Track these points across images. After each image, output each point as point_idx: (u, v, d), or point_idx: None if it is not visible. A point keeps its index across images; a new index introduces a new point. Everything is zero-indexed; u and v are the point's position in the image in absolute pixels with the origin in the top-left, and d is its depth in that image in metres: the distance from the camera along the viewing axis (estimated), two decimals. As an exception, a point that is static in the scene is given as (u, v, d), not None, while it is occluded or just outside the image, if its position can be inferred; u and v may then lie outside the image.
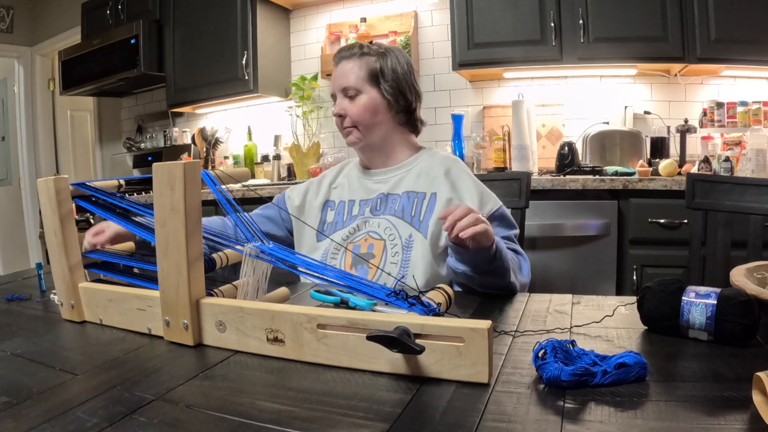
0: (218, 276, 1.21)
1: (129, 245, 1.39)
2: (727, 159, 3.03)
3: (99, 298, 1.17)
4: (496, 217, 1.63)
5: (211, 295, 1.05)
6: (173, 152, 4.81)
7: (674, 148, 3.45)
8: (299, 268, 1.06)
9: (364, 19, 4.12)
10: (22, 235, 6.08)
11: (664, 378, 0.82)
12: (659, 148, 3.42)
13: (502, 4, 3.45)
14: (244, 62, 4.13)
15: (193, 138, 4.84)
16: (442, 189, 1.67)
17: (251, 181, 4.19)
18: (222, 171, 1.10)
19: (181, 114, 5.04)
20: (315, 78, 4.31)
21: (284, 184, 3.91)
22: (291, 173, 4.39)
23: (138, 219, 1.22)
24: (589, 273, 2.96)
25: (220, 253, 1.16)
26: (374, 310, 1.04)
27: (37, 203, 5.45)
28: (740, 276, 1.03)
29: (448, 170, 1.72)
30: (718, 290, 0.96)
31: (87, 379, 0.89)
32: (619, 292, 2.95)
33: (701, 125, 3.46)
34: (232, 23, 4.18)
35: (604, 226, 2.91)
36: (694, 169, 3.13)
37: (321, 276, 1.03)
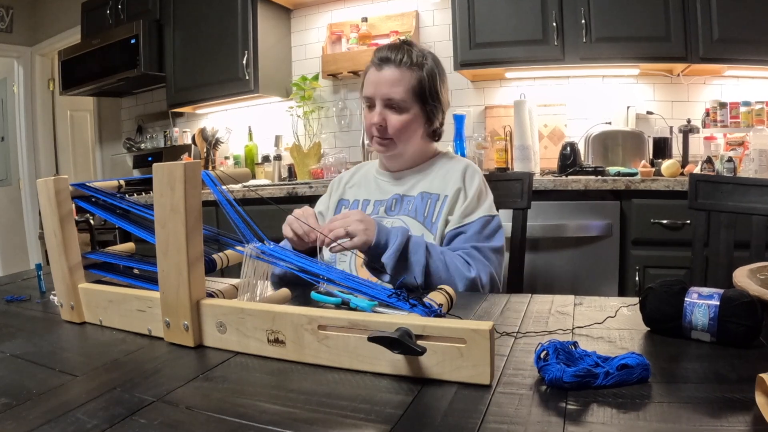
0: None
1: (129, 246, 1.39)
2: (730, 159, 3.02)
3: (99, 299, 1.17)
4: (473, 226, 1.67)
5: (212, 296, 1.05)
6: (173, 152, 4.81)
7: (677, 148, 3.44)
8: (300, 269, 1.05)
9: (365, 19, 4.12)
10: (22, 235, 6.09)
11: (666, 379, 0.82)
12: (662, 148, 3.42)
13: (504, 4, 3.45)
14: (244, 62, 4.13)
15: (193, 138, 4.85)
16: (451, 193, 1.71)
17: (252, 182, 4.18)
18: (222, 171, 1.10)
19: (181, 114, 5.04)
20: (316, 78, 4.31)
21: (285, 184, 3.90)
22: (292, 174, 4.39)
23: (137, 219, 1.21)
24: (592, 274, 2.95)
25: (220, 253, 1.16)
26: (375, 311, 1.04)
27: (36, 204, 5.45)
28: (743, 277, 1.02)
29: (463, 172, 1.75)
30: (721, 291, 0.95)
31: (87, 380, 0.88)
32: (622, 293, 2.95)
33: (704, 125, 3.45)
34: (233, 23, 4.19)
35: (606, 227, 2.90)
36: (697, 170, 3.13)
37: (322, 277, 1.03)
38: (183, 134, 4.95)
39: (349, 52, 4.13)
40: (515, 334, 1.04)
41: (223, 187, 1.08)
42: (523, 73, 3.81)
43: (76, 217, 1.21)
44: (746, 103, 3.32)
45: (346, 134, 4.39)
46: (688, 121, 3.40)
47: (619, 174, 3.03)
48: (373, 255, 1.46)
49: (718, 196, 1.93)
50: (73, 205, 1.20)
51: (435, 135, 1.84)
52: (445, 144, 3.80)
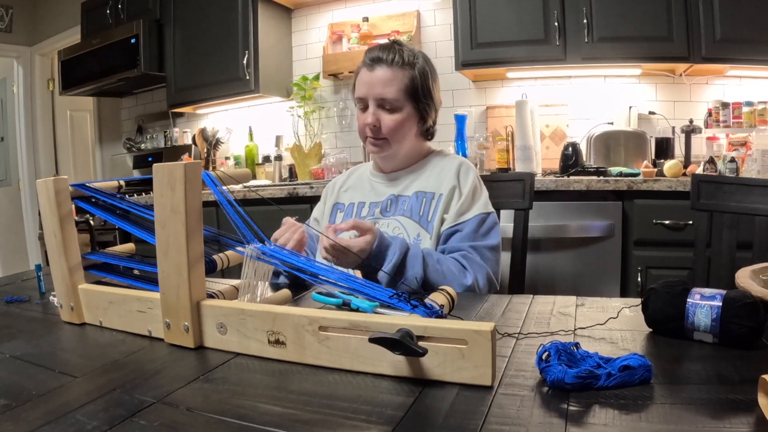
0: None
1: (129, 246, 1.39)
2: (732, 160, 3.02)
3: (99, 300, 1.17)
4: (468, 224, 1.67)
5: (212, 296, 1.04)
6: (174, 153, 4.81)
7: (679, 148, 3.44)
8: (300, 270, 1.05)
9: (366, 19, 4.12)
10: (22, 236, 6.08)
11: (668, 380, 0.81)
12: (664, 148, 3.42)
13: (506, 4, 3.44)
14: (245, 62, 4.13)
15: (193, 138, 4.85)
16: (445, 190, 1.71)
17: (252, 182, 4.18)
18: (223, 172, 1.10)
19: (181, 114, 5.04)
20: (317, 78, 4.31)
21: (285, 185, 3.90)
22: (292, 174, 4.39)
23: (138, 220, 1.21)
24: (593, 274, 2.95)
25: (221, 254, 1.16)
26: (376, 312, 1.04)
27: (36, 204, 5.45)
28: (746, 278, 1.02)
29: (457, 169, 1.74)
30: (724, 292, 0.95)
31: (87, 381, 0.88)
32: (624, 293, 2.95)
33: (706, 125, 3.45)
34: (233, 23, 4.19)
35: (608, 227, 2.90)
36: (699, 170, 3.13)
37: (323, 278, 1.03)
38: (183, 134, 4.95)
39: (350, 52, 4.13)
40: (517, 335, 1.04)
41: (224, 187, 1.08)
42: (525, 73, 3.81)
43: (76, 218, 1.21)
44: (749, 103, 3.31)
45: (347, 134, 4.39)
46: (691, 122, 3.40)
47: (621, 174, 3.02)
48: (370, 263, 1.45)
49: (720, 197, 1.93)
50: (73, 205, 1.19)
51: (428, 134, 1.84)
52: (447, 144, 3.79)
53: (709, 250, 1.96)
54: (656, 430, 0.67)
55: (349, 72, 4.14)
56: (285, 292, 1.19)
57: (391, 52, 1.71)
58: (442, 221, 1.69)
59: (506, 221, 2.07)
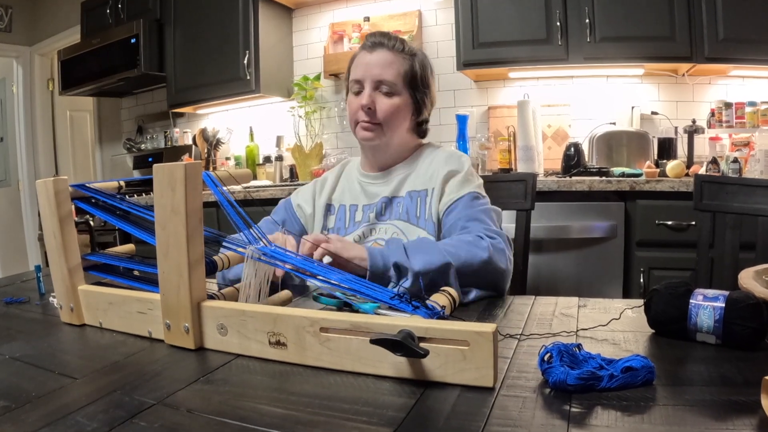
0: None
1: (129, 247, 1.38)
2: (735, 160, 3.01)
3: (99, 300, 1.17)
4: (462, 200, 1.61)
5: (213, 297, 1.04)
6: (174, 153, 4.81)
7: (682, 149, 3.44)
8: (302, 271, 1.05)
9: (367, 18, 4.12)
10: (21, 237, 6.08)
11: (671, 382, 0.81)
12: (666, 149, 3.41)
13: (508, 3, 3.44)
14: (245, 62, 4.13)
15: (194, 139, 4.85)
16: (437, 183, 1.65)
17: (253, 183, 4.18)
18: (224, 171, 1.09)
19: (182, 114, 5.04)
20: (318, 78, 4.30)
21: (286, 185, 3.90)
22: (293, 174, 4.39)
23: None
24: (596, 275, 2.95)
25: (221, 255, 1.16)
26: (378, 314, 1.04)
27: (36, 205, 5.44)
28: (749, 278, 1.02)
29: (447, 159, 1.70)
30: (727, 293, 0.95)
31: (86, 383, 0.88)
32: (626, 294, 2.94)
33: (709, 126, 3.44)
34: (234, 22, 4.19)
35: (610, 228, 2.89)
36: (702, 171, 3.12)
37: (324, 278, 1.02)
38: (183, 135, 4.95)
39: (351, 52, 4.08)
40: (519, 337, 1.04)
41: (224, 188, 1.07)
42: (527, 73, 3.80)
43: (76, 219, 1.21)
44: (752, 104, 3.30)
45: (348, 135, 4.38)
46: (693, 122, 3.39)
47: (623, 175, 3.02)
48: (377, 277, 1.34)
49: (723, 197, 1.93)
50: (73, 206, 1.19)
51: (420, 131, 1.79)
52: (448, 145, 3.78)
53: (711, 251, 1.96)
54: (659, 432, 0.67)
55: (351, 72, 4.14)
56: (285, 293, 1.19)
57: (392, 38, 1.68)
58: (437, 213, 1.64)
59: (508, 222, 2.06)
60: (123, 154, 5.30)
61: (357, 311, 1.09)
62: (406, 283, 1.29)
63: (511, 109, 3.83)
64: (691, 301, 0.95)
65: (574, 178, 3.04)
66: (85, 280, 1.23)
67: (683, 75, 3.55)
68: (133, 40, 4.48)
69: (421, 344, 0.82)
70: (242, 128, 4.76)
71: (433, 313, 0.91)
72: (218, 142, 4.70)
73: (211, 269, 1.10)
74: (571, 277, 2.98)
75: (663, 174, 3.09)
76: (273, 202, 3.37)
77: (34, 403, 0.80)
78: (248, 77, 4.14)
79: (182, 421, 0.74)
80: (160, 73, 4.59)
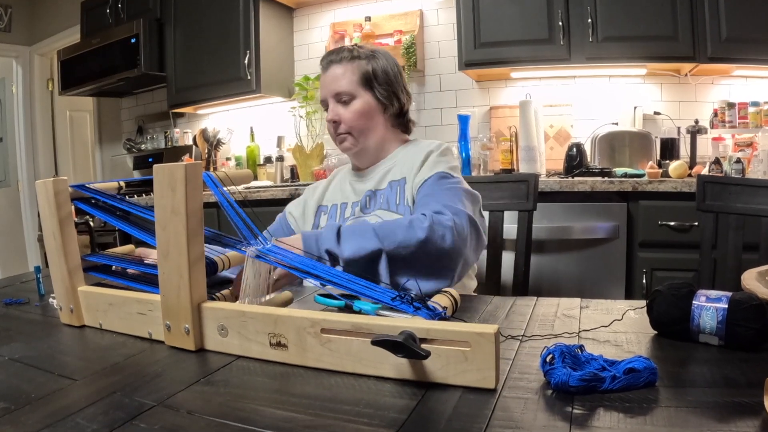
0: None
1: (129, 248, 1.38)
2: (738, 160, 3.01)
3: (99, 301, 1.16)
4: (430, 179, 1.62)
5: (213, 298, 1.04)
6: (174, 153, 4.81)
7: (684, 149, 3.43)
8: (302, 272, 1.04)
9: (368, 18, 4.11)
10: (21, 238, 6.08)
11: (674, 383, 0.81)
12: (669, 149, 3.41)
13: (509, 3, 3.44)
14: (246, 62, 4.13)
15: (194, 139, 4.85)
16: (412, 171, 1.69)
17: (254, 183, 4.18)
18: (224, 172, 1.09)
19: (182, 114, 5.04)
20: (318, 78, 4.28)
21: (287, 186, 3.90)
22: (294, 175, 4.39)
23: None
24: (598, 276, 2.94)
25: (221, 255, 1.15)
26: (379, 315, 1.03)
27: (35, 206, 5.42)
28: (752, 279, 1.01)
29: (428, 147, 1.73)
30: (729, 294, 0.95)
31: (86, 384, 0.88)
32: (629, 295, 2.93)
33: (712, 126, 3.44)
34: (234, 22, 4.18)
35: (613, 229, 2.89)
36: (705, 171, 3.11)
37: (325, 279, 1.02)
38: (184, 135, 4.95)
39: (352, 53, 4.12)
40: (520, 338, 1.03)
41: (225, 188, 1.07)
42: (529, 73, 3.80)
43: (76, 219, 1.21)
44: (755, 104, 3.30)
45: (350, 135, 4.37)
46: (696, 122, 3.38)
47: (626, 175, 3.02)
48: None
49: (726, 198, 1.92)
50: (73, 206, 1.19)
51: (402, 125, 1.84)
52: (450, 145, 3.79)
53: (714, 252, 1.96)
54: (661, 434, 0.67)
55: (352, 72, 4.14)
56: (286, 294, 1.19)
57: (340, 52, 1.75)
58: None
59: (510, 223, 2.06)
60: (123, 155, 5.30)
61: (358, 312, 1.09)
62: (338, 269, 1.31)
63: (513, 109, 3.83)
64: (693, 302, 0.95)
65: (576, 178, 3.04)
66: (85, 281, 1.22)
67: (686, 75, 3.54)
68: (133, 40, 4.48)
69: (423, 345, 0.81)
70: (243, 128, 4.76)
71: (435, 314, 0.90)
72: (219, 143, 4.70)
73: (212, 270, 1.10)
74: (574, 278, 2.97)
75: (665, 174, 3.08)
76: (273, 202, 3.39)
77: (33, 405, 0.80)
78: (249, 77, 4.14)
79: (182, 423, 0.73)
80: (160, 73, 4.58)
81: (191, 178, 0.96)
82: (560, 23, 3.32)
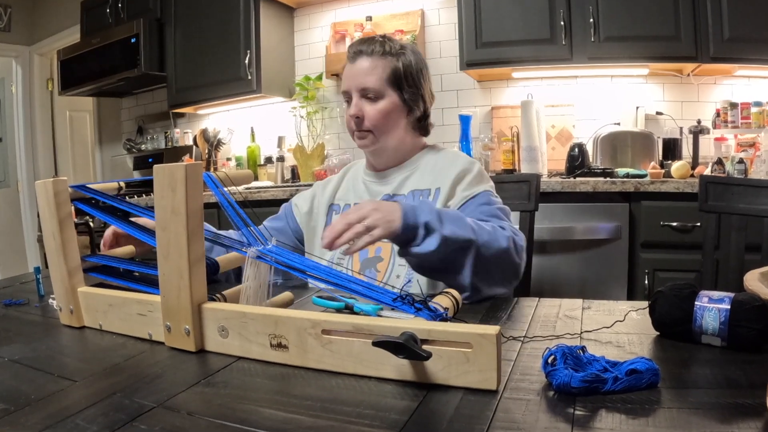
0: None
1: (129, 249, 1.38)
2: (740, 161, 3.00)
3: (98, 302, 1.16)
4: (478, 198, 1.60)
5: (213, 299, 1.04)
6: (174, 154, 4.80)
7: (687, 149, 3.42)
8: (303, 272, 1.04)
9: (369, 18, 4.11)
10: (20, 238, 6.06)
11: (676, 385, 0.81)
12: (671, 149, 3.40)
13: (511, 3, 3.43)
14: (247, 62, 4.12)
15: (194, 139, 4.85)
16: (445, 182, 1.63)
17: (254, 184, 4.17)
18: (224, 173, 1.09)
19: (182, 115, 5.03)
20: (319, 78, 4.30)
21: (288, 186, 3.90)
22: (295, 175, 4.38)
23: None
24: (600, 277, 2.94)
25: (222, 256, 1.15)
26: (380, 316, 1.03)
27: (35, 206, 5.40)
28: (754, 280, 1.00)
29: (455, 159, 1.69)
30: (732, 295, 0.94)
31: (86, 385, 0.88)
32: (631, 296, 2.93)
33: (714, 126, 3.43)
34: (235, 22, 4.18)
35: (615, 229, 2.89)
36: (707, 171, 3.10)
37: (326, 280, 1.02)
38: (184, 135, 4.94)
39: (353, 53, 4.11)
40: (522, 339, 1.03)
41: (225, 189, 1.07)
42: (531, 72, 3.80)
43: (76, 220, 1.20)
44: (757, 104, 3.29)
45: (350, 135, 4.36)
46: (699, 122, 3.38)
47: (628, 175, 3.01)
48: (403, 241, 1.32)
49: (728, 198, 1.92)
50: (73, 207, 1.19)
51: (422, 128, 1.78)
52: (451, 145, 3.79)
53: (717, 253, 1.95)
54: (663, 436, 0.67)
55: (353, 72, 4.13)
56: (287, 295, 1.19)
57: (371, 44, 1.68)
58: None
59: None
60: (123, 155, 5.29)
61: (359, 313, 1.09)
62: (430, 245, 1.28)
63: (515, 109, 3.83)
64: (696, 303, 0.95)
65: (578, 178, 3.03)
66: (85, 281, 1.22)
67: (688, 75, 3.53)
68: (133, 40, 4.47)
69: (424, 346, 0.81)
70: (243, 129, 4.75)
71: (436, 315, 0.90)
72: (219, 143, 4.70)
73: (213, 271, 1.10)
74: (575, 278, 2.97)
75: (668, 175, 3.07)
76: (274, 203, 3.39)
77: (33, 406, 0.80)
78: (249, 77, 4.14)
79: (183, 424, 0.73)
80: (160, 73, 4.57)
81: (191, 179, 0.96)
82: (562, 23, 3.31)
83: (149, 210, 1.10)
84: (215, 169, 4.58)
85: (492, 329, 0.79)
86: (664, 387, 0.80)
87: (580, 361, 0.82)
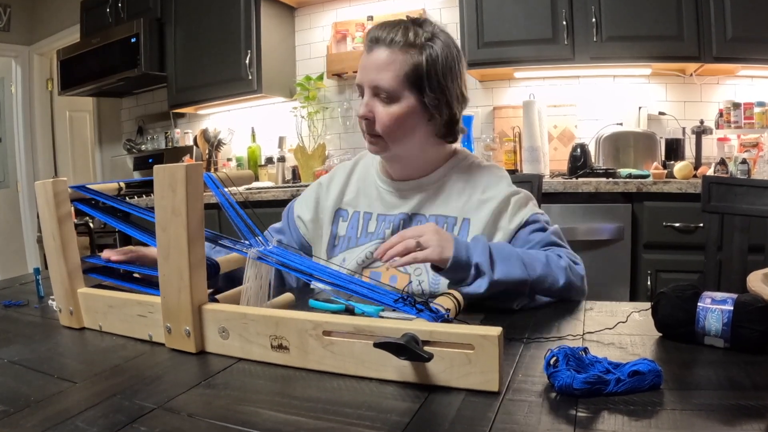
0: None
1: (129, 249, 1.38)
2: (743, 161, 3.00)
3: (98, 303, 1.16)
4: (522, 233, 1.44)
5: (214, 300, 1.03)
6: (175, 154, 4.81)
7: (689, 149, 3.43)
8: (304, 273, 1.04)
9: (371, 18, 4.11)
10: (20, 239, 6.07)
11: (679, 386, 0.81)
12: (674, 149, 3.40)
13: (513, 2, 3.44)
14: (247, 62, 4.12)
15: (195, 139, 4.85)
16: (478, 215, 1.45)
17: (255, 184, 4.17)
18: (225, 173, 1.08)
19: (182, 115, 5.03)
20: (320, 78, 4.30)
21: (288, 187, 3.89)
22: (296, 176, 4.39)
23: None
24: (603, 278, 2.93)
25: (222, 257, 1.15)
26: (381, 317, 1.03)
27: (34, 206, 5.39)
28: (757, 281, 1.01)
29: (483, 191, 1.48)
30: (735, 296, 0.94)
31: (86, 387, 0.87)
32: (633, 297, 2.93)
33: (717, 126, 3.43)
34: (235, 21, 4.18)
35: (617, 230, 2.88)
36: (710, 172, 3.10)
37: (327, 281, 1.01)
38: (184, 135, 4.94)
39: (354, 52, 4.12)
40: (524, 340, 1.03)
41: (226, 189, 1.07)
42: (533, 72, 3.80)
43: (75, 220, 1.20)
44: (761, 104, 3.29)
45: (352, 135, 4.38)
46: (701, 122, 3.38)
47: (630, 176, 3.01)
48: (453, 275, 1.23)
49: (731, 199, 1.91)
50: (72, 207, 1.19)
51: (449, 136, 1.49)
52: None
53: (720, 254, 1.95)
54: (666, 437, 0.66)
55: (354, 72, 4.12)
56: (288, 296, 1.18)
57: (392, 31, 1.40)
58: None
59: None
60: (123, 155, 5.29)
61: (360, 314, 1.09)
62: (480, 287, 1.20)
63: (517, 109, 3.83)
64: (699, 304, 0.95)
65: (580, 179, 3.03)
66: (85, 282, 1.22)
67: (691, 75, 3.53)
68: (133, 40, 4.47)
69: (426, 348, 0.81)
70: (244, 129, 4.75)
71: (438, 317, 0.90)
72: (220, 143, 4.70)
73: (213, 271, 1.10)
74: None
75: (670, 175, 3.08)
76: (275, 203, 3.39)
77: (33, 408, 0.80)
78: (250, 77, 4.13)
79: (183, 426, 0.73)
80: (160, 73, 4.57)
81: (192, 179, 0.96)
82: (564, 23, 3.31)
83: (149, 210, 1.10)
84: (216, 170, 4.58)
85: (494, 330, 0.79)
86: (666, 388, 0.79)
87: (583, 362, 0.82)
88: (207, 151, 4.69)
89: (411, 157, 1.50)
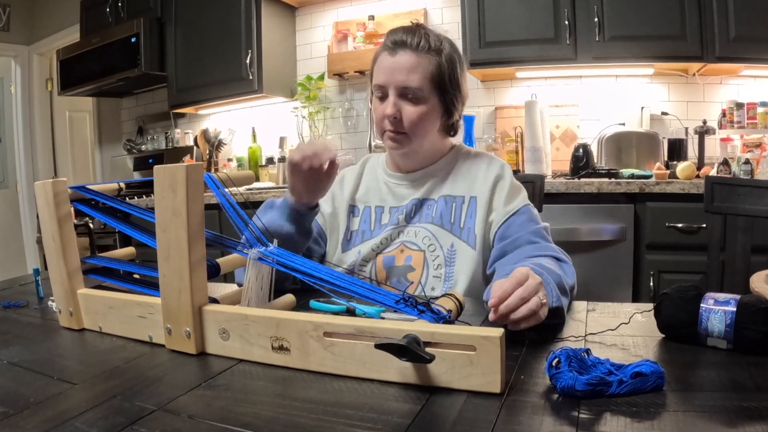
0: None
1: (129, 251, 1.38)
2: (747, 161, 3.00)
3: (98, 304, 1.16)
4: (521, 212, 1.54)
5: (214, 301, 1.03)
6: (175, 154, 4.80)
7: (692, 150, 3.42)
8: (304, 274, 1.03)
9: (372, 17, 4.11)
10: (20, 240, 6.07)
11: (681, 387, 0.81)
12: (677, 150, 3.40)
13: (515, 2, 3.43)
14: (248, 61, 4.12)
15: (195, 140, 4.85)
16: (482, 191, 1.57)
17: (255, 185, 4.16)
18: (225, 173, 1.08)
19: (183, 115, 5.03)
20: (321, 78, 4.30)
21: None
22: (297, 176, 4.37)
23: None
24: (605, 279, 2.93)
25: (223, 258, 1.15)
26: (383, 318, 1.02)
27: (34, 207, 5.39)
28: (760, 282, 1.01)
29: (486, 168, 1.61)
30: (738, 297, 0.94)
31: (86, 388, 0.87)
32: (636, 298, 2.93)
33: (720, 126, 3.43)
34: (236, 21, 4.18)
35: (619, 231, 2.88)
36: (713, 172, 3.10)
37: (327, 282, 1.01)
38: (185, 135, 4.94)
39: (355, 51, 4.12)
40: (526, 341, 1.03)
41: (226, 189, 1.06)
42: (535, 72, 3.80)
43: (75, 221, 1.20)
44: (764, 104, 3.28)
45: (353, 136, 4.38)
46: (704, 122, 3.37)
47: (633, 176, 3.01)
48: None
49: (734, 199, 1.91)
50: (72, 208, 1.18)
51: (451, 129, 1.65)
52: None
53: (722, 254, 1.95)
54: (669, 439, 0.66)
55: (355, 72, 4.14)
56: (289, 297, 1.18)
57: (416, 36, 1.51)
58: (488, 225, 1.55)
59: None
60: (123, 156, 5.29)
61: (362, 315, 1.08)
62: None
63: (519, 109, 3.82)
64: (701, 305, 0.95)
65: (582, 179, 3.03)
66: (85, 283, 1.22)
67: (694, 75, 3.52)
68: (133, 39, 4.46)
69: (427, 349, 0.81)
70: (244, 129, 4.75)
71: (439, 318, 0.89)
72: (220, 143, 4.70)
73: (213, 272, 1.09)
74: (580, 280, 2.91)
75: (673, 175, 3.07)
76: (251, 205, 3.38)
77: (32, 409, 0.80)
78: (251, 77, 4.13)
79: (183, 428, 0.73)
80: (160, 73, 4.57)
81: (192, 180, 0.96)
82: (566, 22, 3.30)
83: (149, 211, 1.09)
84: (216, 170, 4.58)
85: (496, 332, 0.79)
86: (669, 390, 0.79)
87: (585, 363, 0.82)
88: (207, 152, 4.69)
89: (424, 151, 1.64)
